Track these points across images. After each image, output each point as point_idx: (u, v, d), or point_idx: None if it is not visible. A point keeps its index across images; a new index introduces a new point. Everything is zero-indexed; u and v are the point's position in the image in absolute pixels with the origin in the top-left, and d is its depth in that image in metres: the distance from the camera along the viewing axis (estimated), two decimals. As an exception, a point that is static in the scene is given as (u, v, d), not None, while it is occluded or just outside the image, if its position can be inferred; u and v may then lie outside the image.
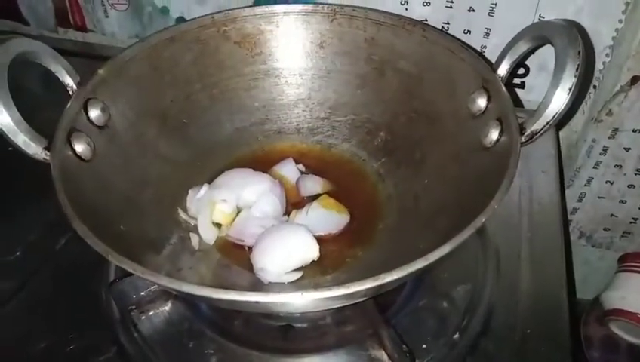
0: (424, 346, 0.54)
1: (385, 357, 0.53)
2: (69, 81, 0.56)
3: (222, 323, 0.57)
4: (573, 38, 0.49)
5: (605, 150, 0.81)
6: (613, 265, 0.88)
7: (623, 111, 0.75)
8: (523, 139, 0.50)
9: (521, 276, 0.61)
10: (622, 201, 0.86)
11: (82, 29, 0.91)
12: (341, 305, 0.47)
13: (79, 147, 0.53)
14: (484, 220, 0.43)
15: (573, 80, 0.48)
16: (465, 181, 0.55)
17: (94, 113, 0.57)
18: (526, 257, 0.62)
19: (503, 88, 0.55)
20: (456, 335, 0.55)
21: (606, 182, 0.84)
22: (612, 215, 0.88)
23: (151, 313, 0.57)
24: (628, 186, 0.84)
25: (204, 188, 0.61)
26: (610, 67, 0.73)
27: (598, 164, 0.82)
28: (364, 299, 0.48)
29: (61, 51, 0.56)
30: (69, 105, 0.55)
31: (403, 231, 0.60)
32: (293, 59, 0.70)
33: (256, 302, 0.38)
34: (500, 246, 0.63)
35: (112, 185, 0.55)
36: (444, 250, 0.42)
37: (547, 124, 0.49)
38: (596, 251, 0.94)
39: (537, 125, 0.50)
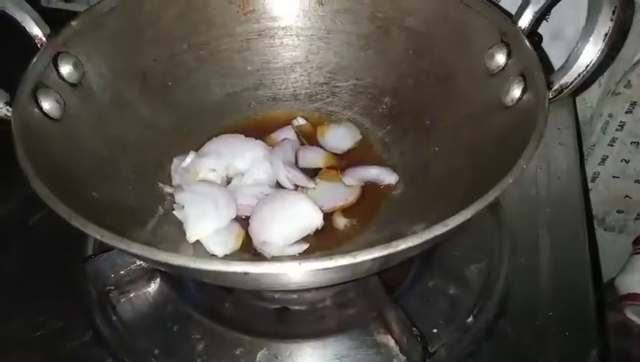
0: (435, 330, 0.49)
1: (391, 342, 0.47)
2: (37, 32, 0.50)
3: (210, 305, 0.51)
4: (608, -23, 0.43)
5: (622, 126, 0.75)
6: (626, 250, 0.83)
7: (644, 83, 0.70)
8: (551, 94, 0.45)
9: (541, 255, 0.56)
10: (637, 181, 0.81)
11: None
12: (345, 279, 0.41)
13: (47, 104, 0.47)
14: (511, 181, 0.38)
15: (610, 25, 0.42)
16: (481, 145, 0.50)
17: (66, 69, 0.51)
18: (545, 235, 0.57)
19: (526, 41, 0.49)
20: (470, 319, 0.50)
21: (621, 161, 0.79)
22: (627, 196, 0.83)
23: (131, 294, 0.52)
24: (644, 165, 0.79)
25: (191, 156, 0.55)
26: (630, 35, 0.68)
27: (613, 141, 0.77)
28: (370, 273, 0.42)
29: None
30: (36, 58, 0.49)
31: (412, 202, 0.54)
32: (290, 17, 0.63)
33: (245, 274, 0.32)
34: (517, 223, 0.58)
35: (85, 147, 0.49)
36: (466, 214, 0.36)
37: (579, 75, 0.44)
38: (608, 235, 0.88)
39: (567, 78, 0.44)
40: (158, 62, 0.59)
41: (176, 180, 0.55)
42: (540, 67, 0.46)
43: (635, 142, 0.77)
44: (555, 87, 0.45)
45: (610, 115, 0.75)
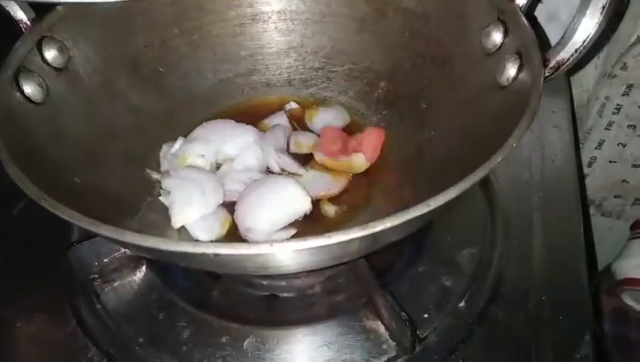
0: (425, 315, 0.48)
1: (381, 328, 0.46)
2: (21, 16, 0.49)
3: (197, 292, 0.50)
4: (607, -53, 0.40)
5: (619, 109, 0.73)
6: (624, 236, 0.81)
7: (640, 64, 0.67)
8: (547, 72, 0.42)
9: (534, 239, 0.54)
10: (635, 166, 0.78)
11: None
12: (326, 263, 0.40)
13: (29, 88, 0.47)
14: (499, 159, 0.36)
15: (608, -4, 0.40)
16: (477, 127, 0.48)
17: (50, 53, 0.50)
18: (539, 219, 0.56)
19: (523, 18, 0.47)
20: (462, 304, 0.49)
21: (618, 145, 0.77)
22: (624, 181, 0.80)
23: (116, 283, 0.51)
24: (642, 149, 0.76)
25: (179, 142, 0.54)
26: (626, 16, 0.65)
27: (610, 124, 0.75)
28: (353, 257, 0.40)
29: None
30: (19, 41, 0.48)
31: (406, 188, 0.52)
32: (284, 1, 0.62)
33: (215, 255, 0.31)
34: (510, 206, 0.56)
35: (69, 133, 0.49)
36: (450, 194, 0.34)
37: (576, 51, 0.41)
38: (605, 220, 0.86)
39: (564, 54, 0.42)
40: (149, 47, 0.58)
41: (164, 166, 0.54)
42: (537, 44, 0.44)
43: (631, 126, 0.74)
44: (552, 64, 0.42)
45: (607, 98, 0.72)
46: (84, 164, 0.48)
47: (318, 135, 0.58)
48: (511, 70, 0.45)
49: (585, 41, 0.41)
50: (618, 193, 0.83)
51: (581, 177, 0.63)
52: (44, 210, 0.35)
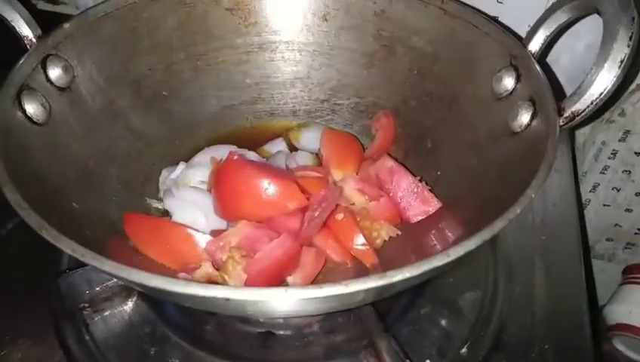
0: (428, 361, 0.47)
1: None
2: (27, 32, 0.48)
3: (190, 327, 0.49)
4: (625, 2, 0.41)
5: (614, 154, 0.74)
6: (614, 278, 0.82)
7: (637, 112, 0.69)
8: (562, 121, 0.42)
9: (536, 284, 0.54)
10: (628, 210, 0.79)
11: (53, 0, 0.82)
12: (335, 310, 0.38)
13: (31, 108, 0.45)
14: (518, 211, 0.35)
15: (626, 51, 0.40)
16: (486, 171, 0.48)
17: (55, 72, 0.49)
18: (541, 263, 0.55)
19: (536, 64, 0.47)
20: (464, 350, 0.48)
21: (612, 189, 0.78)
22: (616, 224, 0.81)
23: (106, 313, 0.49)
24: (636, 194, 0.77)
25: (180, 167, 0.53)
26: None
27: (605, 168, 0.76)
28: (362, 304, 0.39)
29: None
30: (23, 58, 0.47)
31: (410, 228, 0.51)
32: (292, 32, 0.61)
33: (227, 300, 0.30)
34: (512, 250, 0.56)
35: (69, 155, 0.47)
36: (469, 245, 0.33)
37: (592, 103, 0.41)
38: (597, 263, 0.87)
39: (580, 105, 0.42)
40: (153, 70, 0.57)
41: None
42: (551, 92, 0.44)
43: (626, 171, 0.75)
44: (567, 113, 0.42)
45: (603, 143, 0.74)
46: (83, 188, 0.46)
47: (312, 153, 0.58)
48: (524, 117, 0.45)
49: (602, 93, 0.41)
50: (610, 236, 0.84)
51: (582, 221, 0.63)
52: (33, 233, 0.34)
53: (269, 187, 0.47)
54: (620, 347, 0.78)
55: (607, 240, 0.84)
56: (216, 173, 0.49)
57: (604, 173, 0.77)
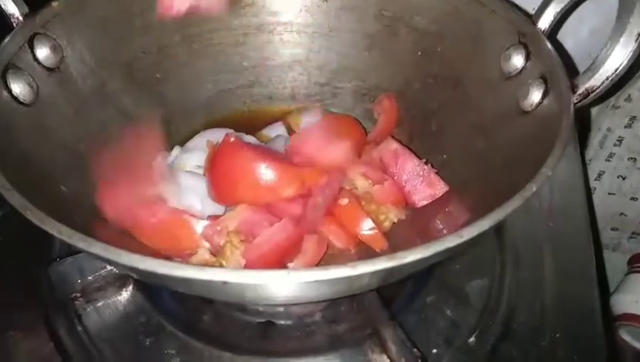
0: (435, 351, 0.45)
1: None
2: (13, 10, 0.46)
3: (187, 317, 0.47)
4: (642, -27, 0.39)
5: (620, 141, 0.73)
6: (619, 268, 0.81)
7: (645, 97, 0.67)
8: (575, 98, 0.40)
9: (545, 271, 0.52)
10: (633, 199, 0.78)
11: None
12: (340, 295, 0.36)
13: (17, 87, 0.43)
14: (535, 189, 0.33)
15: (644, 24, 0.38)
16: (494, 153, 0.46)
17: (43, 52, 0.46)
18: (549, 250, 0.54)
19: (546, 42, 0.45)
20: (472, 339, 0.46)
21: (618, 177, 0.77)
22: (622, 213, 0.80)
23: (99, 303, 0.47)
24: (642, 182, 0.76)
25: (175, 152, 0.51)
26: None
27: (611, 156, 0.75)
28: (368, 289, 0.37)
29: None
30: (9, 37, 0.44)
31: (416, 213, 0.49)
32: (291, 12, 0.59)
33: (224, 283, 0.28)
34: (519, 237, 0.54)
35: (58, 137, 0.45)
36: (483, 226, 0.31)
37: (607, 79, 0.40)
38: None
39: (594, 81, 0.40)
40: (147, 53, 0.55)
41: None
42: (563, 69, 0.42)
43: (632, 158, 0.74)
44: (580, 90, 0.40)
45: (609, 129, 0.72)
46: (72, 172, 0.44)
47: None
48: (535, 95, 0.43)
49: (617, 69, 0.39)
50: (615, 226, 0.82)
51: (590, 206, 0.61)
52: (23, 221, 0.32)
53: (265, 171, 0.45)
54: (626, 337, 0.77)
55: (612, 229, 0.82)
56: (212, 155, 0.47)
57: (609, 160, 0.75)
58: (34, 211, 0.31)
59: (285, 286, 0.29)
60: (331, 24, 0.59)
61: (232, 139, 0.46)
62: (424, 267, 0.35)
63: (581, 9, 0.63)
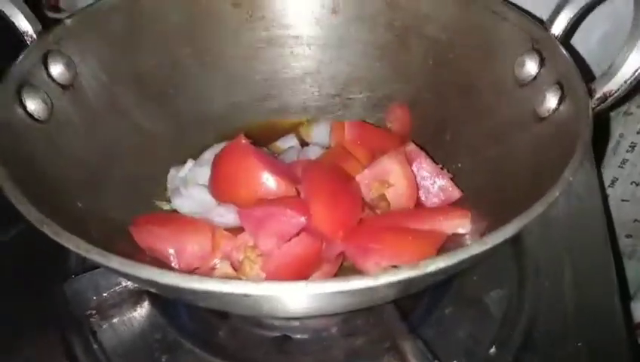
0: None
1: None
2: (27, 28, 0.46)
3: (203, 333, 0.46)
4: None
5: (633, 147, 0.71)
6: (634, 277, 0.78)
7: (658, 103, 0.66)
8: (593, 103, 0.40)
9: (565, 280, 0.51)
10: None
11: (55, 7, 0.80)
12: (361, 305, 0.36)
13: (32, 104, 0.43)
14: (558, 194, 0.33)
15: (662, 26, 0.38)
16: (510, 160, 0.46)
17: (57, 69, 0.47)
18: (568, 258, 0.53)
19: (561, 47, 0.45)
20: (493, 350, 0.45)
21: (631, 183, 0.75)
22: (636, 220, 0.78)
23: (115, 320, 0.46)
24: (656, 189, 0.74)
25: (189, 165, 0.51)
26: None
27: (624, 162, 0.73)
28: (387, 300, 0.36)
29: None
30: (23, 54, 0.45)
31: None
32: (301, 26, 0.59)
33: (245, 296, 0.27)
34: (537, 245, 0.53)
35: (72, 153, 0.45)
36: (507, 232, 0.31)
37: (625, 82, 0.39)
38: None
39: (612, 85, 0.40)
40: (159, 67, 0.55)
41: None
42: (579, 74, 0.42)
43: None
44: (598, 95, 0.40)
45: (621, 135, 0.71)
46: (88, 188, 0.44)
47: (324, 147, 0.56)
48: (551, 101, 0.43)
49: (636, 71, 0.38)
50: (629, 233, 0.80)
51: (608, 213, 0.60)
52: (39, 237, 0.31)
53: (267, 180, 0.45)
54: None
55: (627, 236, 0.80)
56: (221, 151, 0.47)
57: (622, 166, 0.74)
58: (50, 225, 0.30)
59: (305, 297, 0.29)
60: (341, 36, 0.59)
61: (243, 141, 0.46)
62: (446, 277, 0.34)
63: (591, 16, 0.63)
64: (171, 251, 0.43)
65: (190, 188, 0.48)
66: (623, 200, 0.77)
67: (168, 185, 0.51)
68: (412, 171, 0.49)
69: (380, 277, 0.27)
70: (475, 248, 0.29)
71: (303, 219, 0.42)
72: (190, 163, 0.51)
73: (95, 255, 0.29)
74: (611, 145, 0.73)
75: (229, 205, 0.46)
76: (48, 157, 0.42)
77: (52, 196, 0.38)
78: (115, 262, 0.28)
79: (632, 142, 0.71)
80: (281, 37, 0.60)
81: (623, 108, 0.70)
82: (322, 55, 0.60)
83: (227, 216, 0.46)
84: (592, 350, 0.46)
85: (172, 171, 0.52)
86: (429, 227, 0.43)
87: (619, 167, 0.74)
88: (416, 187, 0.48)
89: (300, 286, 0.27)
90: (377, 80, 0.59)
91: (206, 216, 0.46)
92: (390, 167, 0.47)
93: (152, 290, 0.39)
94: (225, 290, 0.27)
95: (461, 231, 0.43)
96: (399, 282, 0.28)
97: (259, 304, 0.30)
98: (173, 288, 0.28)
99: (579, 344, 0.46)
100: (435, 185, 0.49)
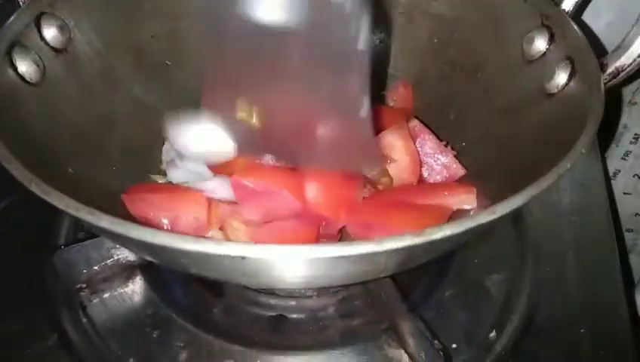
0: (454, 345, 0.43)
1: (405, 357, 0.41)
2: (20, -12, 0.44)
3: (196, 309, 0.45)
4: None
5: (637, 138, 0.70)
6: (636, 271, 0.77)
7: (663, 92, 0.65)
8: (605, 78, 0.39)
9: (568, 265, 0.50)
10: None
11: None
12: (361, 277, 0.35)
13: (23, 66, 0.42)
14: (569, 166, 0.32)
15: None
16: (517, 138, 0.44)
17: (50, 32, 0.45)
18: (572, 244, 0.52)
19: (572, 23, 0.43)
20: (493, 334, 0.44)
21: (633, 176, 0.74)
22: (637, 214, 0.77)
23: (106, 294, 0.45)
24: (659, 182, 0.73)
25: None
26: None
27: (627, 154, 0.72)
28: (389, 272, 0.35)
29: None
30: (15, 15, 0.43)
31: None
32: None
33: (243, 258, 0.26)
34: (540, 230, 0.52)
35: (65, 119, 0.43)
36: (516, 202, 0.29)
37: (639, 56, 0.37)
38: None
39: (625, 59, 0.38)
40: (157, 38, 0.53)
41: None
42: (590, 48, 0.40)
43: None
44: (610, 69, 0.39)
45: (625, 127, 0.70)
46: (80, 154, 0.43)
47: None
48: (561, 77, 0.42)
49: (650, 45, 0.37)
50: (630, 227, 0.79)
51: (612, 199, 0.59)
52: (29, 210, 0.30)
53: None
54: None
55: (628, 230, 0.79)
56: None
57: (625, 158, 0.73)
58: (39, 184, 0.29)
59: (305, 264, 0.27)
60: (345, 12, 0.57)
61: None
62: (450, 249, 0.33)
63: (598, 2, 0.62)
64: (165, 221, 0.41)
65: (186, 159, 0.46)
66: (624, 193, 0.76)
67: (163, 158, 0.50)
68: (415, 147, 0.47)
69: (384, 242, 0.26)
70: (483, 217, 0.28)
71: (298, 204, 0.41)
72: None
73: (85, 214, 0.28)
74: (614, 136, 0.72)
75: (224, 178, 0.44)
76: (39, 121, 0.40)
77: (42, 159, 0.37)
78: (105, 221, 0.27)
79: (635, 134, 0.70)
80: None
81: (627, 97, 0.68)
82: (324, 31, 0.58)
83: (223, 189, 0.44)
84: (594, 335, 0.45)
85: (167, 144, 0.50)
86: (434, 202, 0.42)
87: (621, 158, 0.73)
88: (420, 163, 0.47)
89: (303, 249, 0.26)
90: (380, 58, 0.57)
91: (201, 189, 0.44)
92: (393, 142, 0.46)
93: (145, 256, 0.37)
94: (220, 252, 0.26)
95: (467, 206, 0.42)
96: (403, 249, 0.27)
97: (255, 269, 0.28)
98: (165, 249, 0.26)
99: (581, 330, 0.45)
100: (439, 161, 0.47)
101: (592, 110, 0.35)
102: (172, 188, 0.46)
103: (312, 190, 0.42)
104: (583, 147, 0.32)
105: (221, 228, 0.43)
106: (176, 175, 0.46)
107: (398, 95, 0.55)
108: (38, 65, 0.42)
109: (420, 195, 0.43)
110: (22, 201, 0.31)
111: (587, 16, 0.63)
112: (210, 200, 0.43)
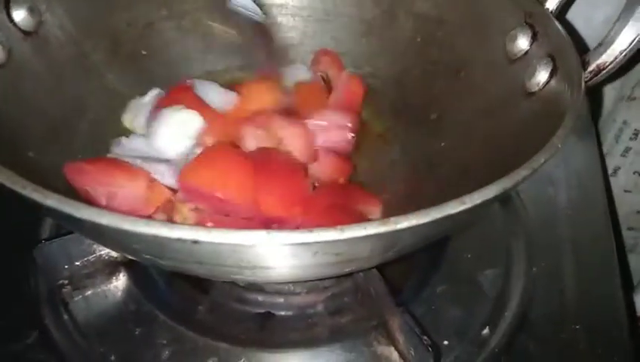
0: (446, 342, 0.42)
1: (394, 354, 0.39)
2: (-12, -33, 0.43)
3: (181, 306, 0.43)
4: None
5: (636, 134, 0.69)
6: (636, 269, 0.76)
7: (662, 87, 0.64)
8: (586, 75, 0.38)
9: (564, 261, 0.49)
10: None
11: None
12: (335, 270, 0.33)
13: (-14, 45, 0.40)
14: (543, 160, 0.31)
15: (661, -5, 0.36)
16: (499, 137, 0.43)
17: (19, 13, 0.44)
18: (568, 238, 0.51)
19: (555, 21, 0.42)
20: (486, 330, 0.43)
21: (634, 173, 0.72)
22: (638, 212, 0.75)
23: (88, 291, 0.43)
24: (659, 179, 0.72)
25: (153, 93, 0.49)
26: None
27: (627, 150, 0.71)
28: (366, 265, 0.34)
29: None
30: (-20, -6, 0.41)
31: (413, 204, 0.46)
32: (285, -5, 0.57)
33: (194, 242, 0.24)
34: (534, 225, 0.51)
35: (31, 103, 0.42)
36: (487, 193, 0.28)
37: (621, 54, 0.37)
38: None
39: (606, 57, 0.38)
40: (132, 27, 0.53)
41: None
42: (572, 46, 0.40)
43: None
44: (591, 67, 0.38)
45: (625, 122, 0.68)
46: (46, 141, 0.41)
47: None
48: (542, 75, 0.41)
49: (632, 42, 0.36)
50: (631, 225, 0.77)
51: (609, 193, 0.58)
52: (9, 204, 0.28)
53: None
54: None
55: (629, 229, 0.77)
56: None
57: (624, 155, 0.71)
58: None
59: (264, 251, 0.26)
60: (327, 8, 0.57)
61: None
62: (423, 242, 0.31)
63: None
64: (102, 193, 0.40)
65: (131, 137, 0.45)
66: (625, 191, 0.74)
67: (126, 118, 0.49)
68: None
69: (346, 230, 0.25)
70: (450, 207, 0.26)
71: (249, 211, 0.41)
72: (154, 91, 0.49)
73: (32, 192, 0.26)
74: (614, 132, 0.70)
75: (170, 164, 0.43)
76: (3, 103, 0.39)
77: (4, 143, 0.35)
78: (53, 200, 0.25)
79: (635, 130, 0.68)
80: (264, 5, 0.57)
81: (627, 93, 0.67)
82: (305, 27, 0.58)
83: (170, 175, 0.43)
84: (590, 333, 0.43)
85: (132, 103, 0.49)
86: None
87: (621, 155, 0.71)
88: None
89: (260, 235, 0.24)
90: (362, 56, 0.57)
91: (148, 169, 0.43)
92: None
93: (97, 241, 0.35)
94: (173, 236, 0.24)
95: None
96: (367, 237, 0.25)
97: (208, 257, 0.27)
98: (115, 231, 0.25)
99: (576, 327, 0.44)
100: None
101: (571, 107, 0.34)
102: (115, 161, 0.43)
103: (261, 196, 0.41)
104: (560, 141, 0.31)
105: (169, 214, 0.41)
106: (120, 152, 0.44)
107: (323, 67, 0.55)
108: (3, 45, 0.41)
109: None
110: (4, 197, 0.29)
111: (584, 11, 0.62)
112: (152, 181, 0.42)
